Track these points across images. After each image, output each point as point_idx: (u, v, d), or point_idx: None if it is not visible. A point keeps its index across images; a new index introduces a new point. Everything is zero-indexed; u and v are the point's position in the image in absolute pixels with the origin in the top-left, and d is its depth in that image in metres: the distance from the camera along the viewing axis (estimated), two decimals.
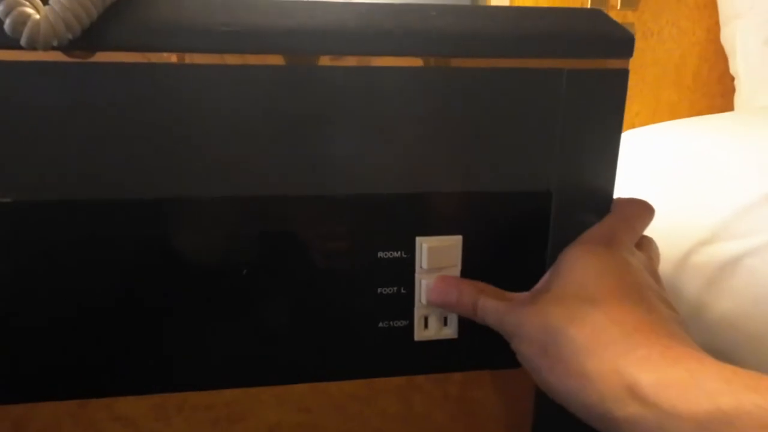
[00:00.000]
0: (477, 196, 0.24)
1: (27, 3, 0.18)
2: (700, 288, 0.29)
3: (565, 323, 0.19)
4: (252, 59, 0.21)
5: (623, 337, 0.18)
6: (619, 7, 0.84)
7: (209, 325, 0.24)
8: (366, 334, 0.25)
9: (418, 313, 0.25)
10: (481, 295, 0.23)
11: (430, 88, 0.22)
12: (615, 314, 0.19)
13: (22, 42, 0.18)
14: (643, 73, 0.87)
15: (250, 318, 0.24)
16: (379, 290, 0.25)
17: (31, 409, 0.24)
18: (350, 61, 0.22)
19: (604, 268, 0.21)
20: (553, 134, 0.23)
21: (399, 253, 0.24)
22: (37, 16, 0.18)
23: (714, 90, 0.90)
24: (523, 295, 0.24)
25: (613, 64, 0.23)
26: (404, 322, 0.25)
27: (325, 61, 0.22)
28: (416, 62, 0.22)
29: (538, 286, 0.24)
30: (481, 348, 0.26)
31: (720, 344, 0.29)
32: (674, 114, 0.90)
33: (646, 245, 0.25)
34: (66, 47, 0.19)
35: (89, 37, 0.19)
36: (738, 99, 0.79)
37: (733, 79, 0.81)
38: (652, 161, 0.43)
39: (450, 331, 0.26)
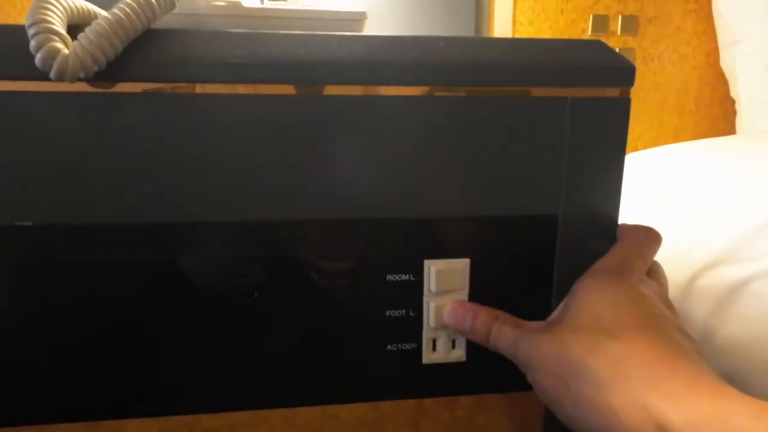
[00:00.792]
0: (484, 221, 0.24)
1: (57, 38, 0.19)
2: (708, 312, 0.29)
3: (584, 354, 0.19)
4: (263, 89, 0.22)
5: (646, 370, 0.18)
6: (619, 33, 0.86)
7: (218, 348, 0.24)
8: (375, 356, 0.25)
9: (426, 336, 0.25)
10: (496, 321, 0.23)
11: (438, 115, 0.23)
12: (635, 346, 0.19)
13: (52, 75, 0.19)
14: (644, 97, 0.89)
15: (260, 340, 0.24)
16: (387, 313, 0.25)
17: (39, 431, 0.24)
18: (359, 90, 0.23)
19: (619, 300, 0.21)
20: (558, 160, 0.24)
21: (407, 276, 0.25)
22: (66, 51, 0.19)
23: (716, 113, 0.91)
24: (537, 324, 0.24)
25: (615, 92, 0.24)
26: (413, 345, 0.25)
27: (335, 90, 0.22)
28: (425, 91, 0.23)
29: (553, 316, 0.24)
30: (490, 371, 0.26)
31: (729, 369, 0.28)
32: (677, 137, 0.91)
33: (655, 271, 0.25)
34: (91, 79, 0.20)
35: (112, 68, 0.20)
36: (739, 122, 0.80)
37: (733, 102, 0.83)
38: (656, 184, 0.44)
39: (458, 354, 0.26)
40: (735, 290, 0.29)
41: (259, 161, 0.23)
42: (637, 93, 0.87)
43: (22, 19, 0.20)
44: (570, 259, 0.24)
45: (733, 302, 0.29)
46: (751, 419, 0.16)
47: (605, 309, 0.21)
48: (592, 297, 0.22)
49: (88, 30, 0.20)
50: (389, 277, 0.24)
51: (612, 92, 0.24)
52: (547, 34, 0.85)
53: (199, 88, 0.22)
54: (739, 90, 0.79)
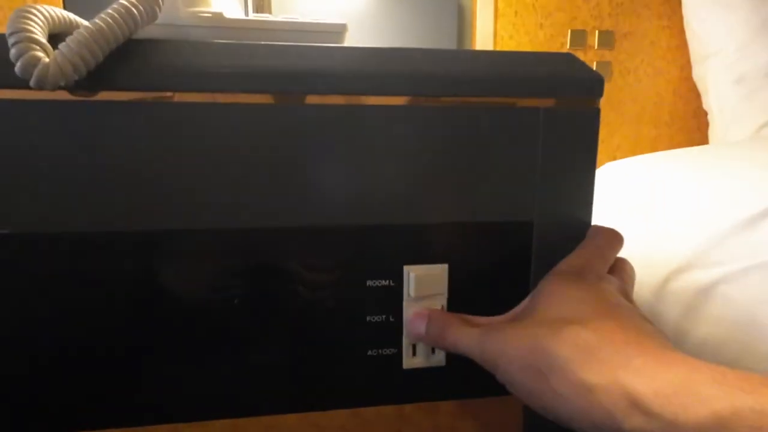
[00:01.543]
0: (462, 227, 0.25)
1: (37, 47, 0.19)
2: (679, 314, 0.30)
3: (557, 343, 0.20)
4: (244, 98, 0.22)
5: (617, 350, 0.19)
6: (596, 47, 0.89)
7: (198, 357, 0.24)
8: (356, 362, 0.25)
9: (406, 341, 0.26)
10: (451, 323, 0.24)
11: (416, 125, 0.24)
12: (603, 332, 0.20)
13: (32, 83, 0.19)
14: (622, 109, 0.91)
15: (240, 348, 0.24)
16: (368, 318, 0.25)
17: None
18: (340, 100, 0.23)
19: (582, 295, 0.22)
20: (533, 168, 0.25)
21: (387, 281, 0.25)
22: (47, 59, 0.19)
23: (690, 124, 0.94)
24: (496, 319, 0.25)
25: (585, 103, 0.25)
26: (393, 350, 0.26)
27: (314, 99, 0.23)
28: (403, 101, 0.24)
29: (516, 310, 0.25)
30: (470, 375, 0.26)
31: None
32: (654, 147, 0.94)
33: (619, 268, 0.26)
34: (71, 87, 0.20)
35: (93, 77, 0.21)
36: (712, 133, 0.83)
37: (706, 114, 0.85)
38: (632, 192, 0.45)
39: (438, 359, 0.26)
40: (705, 293, 0.30)
41: (240, 170, 0.23)
42: (614, 105, 0.90)
43: (2, 28, 0.20)
44: (545, 263, 0.25)
45: (703, 304, 0.30)
46: (715, 386, 0.16)
47: (569, 304, 0.22)
48: (556, 294, 0.23)
49: (69, 39, 0.20)
50: (369, 282, 0.25)
51: (582, 103, 0.25)
52: (526, 48, 0.87)
53: (181, 97, 0.22)
54: (710, 102, 0.82)
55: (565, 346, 0.20)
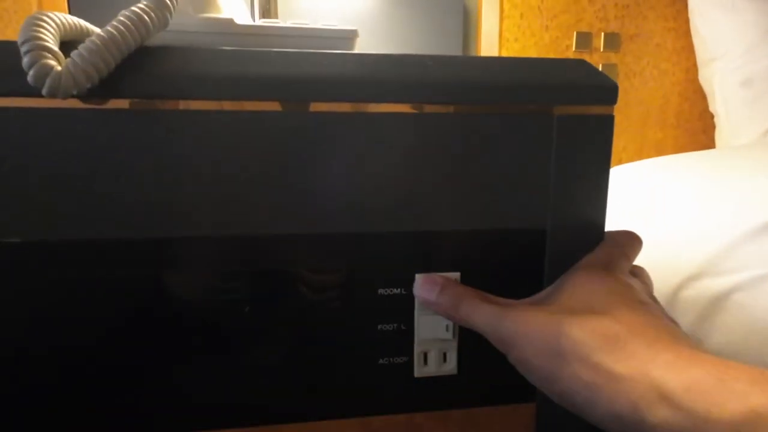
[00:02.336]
0: (474, 234, 0.25)
1: (49, 55, 0.19)
2: (693, 323, 0.30)
3: (583, 332, 0.20)
4: (253, 105, 0.22)
5: (643, 343, 0.19)
6: (602, 50, 0.89)
7: (207, 365, 0.24)
8: (367, 371, 0.25)
9: (417, 350, 0.25)
10: (466, 295, 0.23)
11: (427, 132, 0.24)
12: (630, 324, 0.19)
13: (44, 92, 0.19)
14: (628, 111, 0.91)
15: (250, 356, 0.24)
16: (379, 326, 0.25)
17: None
18: (350, 107, 0.23)
19: (611, 289, 0.21)
20: (545, 175, 0.25)
21: (399, 289, 0.25)
22: (59, 68, 0.19)
23: (696, 126, 0.94)
24: (513, 301, 0.24)
25: (599, 110, 0.25)
26: (404, 359, 0.25)
27: (326, 106, 0.23)
28: (414, 108, 0.23)
29: (539, 296, 0.24)
30: (482, 384, 0.26)
31: None
32: (659, 150, 0.93)
33: (638, 273, 0.26)
34: (83, 95, 0.20)
35: (104, 85, 0.21)
36: (718, 136, 0.83)
37: (712, 116, 0.85)
38: (640, 197, 0.45)
39: (450, 368, 0.26)
40: (718, 301, 0.30)
41: (250, 177, 0.23)
42: (620, 108, 0.89)
43: (11, 35, 0.20)
44: (558, 271, 0.25)
45: (716, 313, 0.30)
46: (751, 383, 0.16)
47: (598, 296, 0.21)
48: (584, 286, 0.22)
49: (81, 47, 0.20)
50: (381, 290, 0.25)
51: (596, 109, 0.25)
52: (532, 51, 0.87)
53: (191, 105, 0.22)
54: (717, 105, 0.81)
55: (592, 335, 0.19)
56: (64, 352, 0.23)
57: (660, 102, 0.92)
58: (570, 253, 0.25)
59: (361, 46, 0.29)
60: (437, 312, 0.24)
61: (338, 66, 0.23)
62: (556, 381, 0.20)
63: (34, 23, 0.19)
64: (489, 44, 0.85)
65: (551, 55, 0.86)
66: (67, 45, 0.20)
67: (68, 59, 0.20)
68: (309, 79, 0.22)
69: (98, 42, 0.20)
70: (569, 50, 0.88)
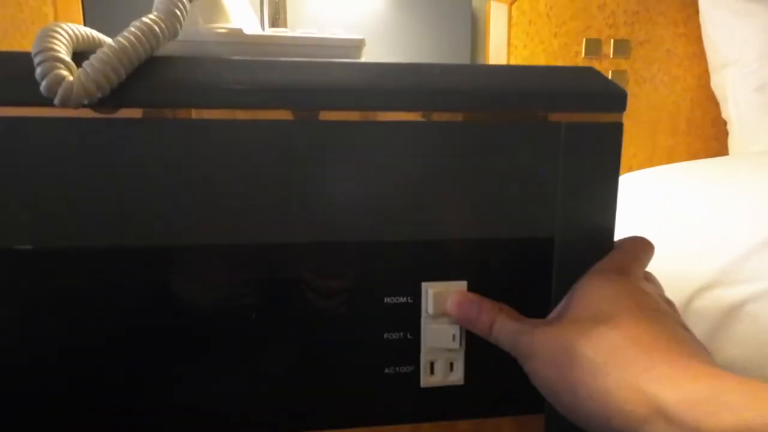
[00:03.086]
0: (481, 243, 0.25)
1: (62, 66, 0.20)
2: (706, 334, 0.30)
3: (580, 342, 0.20)
4: (263, 114, 0.22)
5: (641, 355, 0.19)
6: (612, 56, 0.88)
7: (213, 374, 0.24)
8: (373, 380, 0.25)
9: (424, 359, 0.25)
10: (500, 314, 0.24)
11: (435, 140, 0.23)
12: (632, 334, 0.19)
13: (56, 101, 0.19)
14: (638, 117, 0.90)
15: (255, 365, 0.24)
16: (385, 335, 0.25)
17: None
18: (359, 116, 0.23)
19: (620, 293, 0.21)
20: (554, 183, 0.24)
21: (405, 298, 0.25)
22: (71, 78, 0.19)
23: (708, 133, 0.92)
24: (538, 320, 0.24)
25: (608, 117, 0.24)
26: (410, 368, 0.25)
27: (334, 115, 0.23)
28: (422, 116, 0.23)
29: (555, 312, 0.25)
30: (488, 395, 0.26)
31: None
32: (671, 157, 0.92)
33: (649, 279, 0.25)
34: (94, 104, 0.21)
35: (115, 94, 0.21)
36: (731, 142, 0.82)
37: (725, 122, 0.84)
38: (651, 205, 0.44)
39: (457, 377, 0.26)
40: (732, 312, 0.29)
41: (259, 185, 0.23)
42: (630, 114, 0.89)
43: (28, 45, 0.21)
44: (566, 280, 0.25)
45: (730, 324, 0.29)
46: (745, 396, 0.16)
47: (607, 301, 0.21)
48: (594, 292, 0.22)
49: (92, 57, 0.20)
50: (387, 299, 0.24)
51: (605, 117, 0.24)
52: (540, 57, 0.86)
53: (201, 114, 0.22)
54: (729, 111, 0.80)
55: (589, 346, 0.20)
56: (77, 360, 0.23)
57: (671, 108, 0.91)
58: (578, 262, 0.25)
59: (369, 54, 0.29)
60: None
61: (347, 75, 0.23)
62: (560, 393, 0.20)
63: (47, 35, 0.20)
64: (497, 51, 0.85)
65: (560, 62, 0.86)
66: (80, 56, 0.21)
67: (80, 69, 0.20)
68: (318, 88, 0.23)
69: (109, 52, 0.20)
70: (578, 57, 0.87)
